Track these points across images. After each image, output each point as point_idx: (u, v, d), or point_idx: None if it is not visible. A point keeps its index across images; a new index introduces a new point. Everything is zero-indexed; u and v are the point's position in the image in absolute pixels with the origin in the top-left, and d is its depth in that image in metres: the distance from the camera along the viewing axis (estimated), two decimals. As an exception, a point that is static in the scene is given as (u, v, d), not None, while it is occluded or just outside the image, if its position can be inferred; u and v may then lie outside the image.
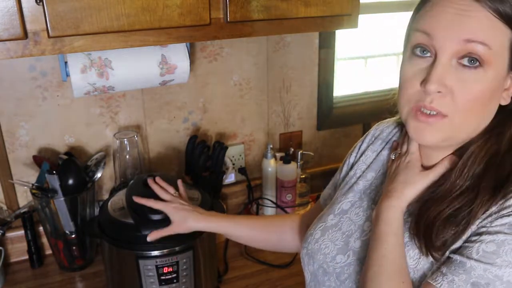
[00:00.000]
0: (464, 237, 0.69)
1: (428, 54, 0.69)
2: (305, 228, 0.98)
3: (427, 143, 0.73)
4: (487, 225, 0.67)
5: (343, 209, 0.88)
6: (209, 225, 1.06)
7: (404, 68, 0.73)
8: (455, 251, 0.69)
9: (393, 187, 0.77)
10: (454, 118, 0.69)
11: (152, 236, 1.04)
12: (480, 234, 0.67)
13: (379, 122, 0.95)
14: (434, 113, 0.69)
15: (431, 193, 0.75)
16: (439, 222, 0.71)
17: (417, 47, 0.70)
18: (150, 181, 1.11)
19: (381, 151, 0.91)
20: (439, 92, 0.67)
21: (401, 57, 0.76)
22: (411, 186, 0.76)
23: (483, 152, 0.72)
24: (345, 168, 0.97)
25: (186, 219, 1.04)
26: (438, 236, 0.70)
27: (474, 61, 0.66)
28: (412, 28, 0.72)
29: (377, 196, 0.85)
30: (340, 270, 0.81)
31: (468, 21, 0.65)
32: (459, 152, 0.75)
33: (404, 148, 0.82)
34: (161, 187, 1.10)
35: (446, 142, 0.73)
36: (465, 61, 0.66)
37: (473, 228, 0.69)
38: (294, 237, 1.07)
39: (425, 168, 0.78)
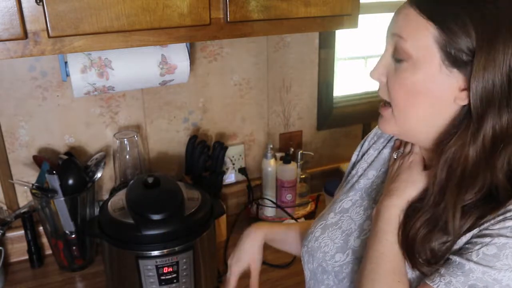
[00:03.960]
0: (464, 239, 0.69)
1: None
2: None
3: (385, 132, 0.81)
4: (489, 228, 0.66)
5: (344, 207, 0.88)
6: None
7: None
8: (455, 252, 0.69)
9: (395, 186, 0.78)
10: (394, 108, 0.73)
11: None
12: (482, 236, 0.67)
13: None
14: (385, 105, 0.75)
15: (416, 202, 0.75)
16: (418, 240, 0.70)
17: None
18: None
19: (382, 149, 0.91)
20: (381, 82, 0.74)
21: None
22: (413, 185, 0.76)
23: (445, 154, 0.70)
24: (348, 168, 0.98)
25: None
26: (420, 254, 0.70)
27: (399, 54, 0.71)
28: None
29: (378, 195, 0.85)
30: (339, 269, 0.81)
31: (397, 18, 0.72)
32: None
33: (408, 148, 0.82)
34: None
35: (403, 135, 0.78)
36: (395, 55, 0.72)
37: (474, 231, 0.68)
38: None
39: (428, 169, 0.78)
